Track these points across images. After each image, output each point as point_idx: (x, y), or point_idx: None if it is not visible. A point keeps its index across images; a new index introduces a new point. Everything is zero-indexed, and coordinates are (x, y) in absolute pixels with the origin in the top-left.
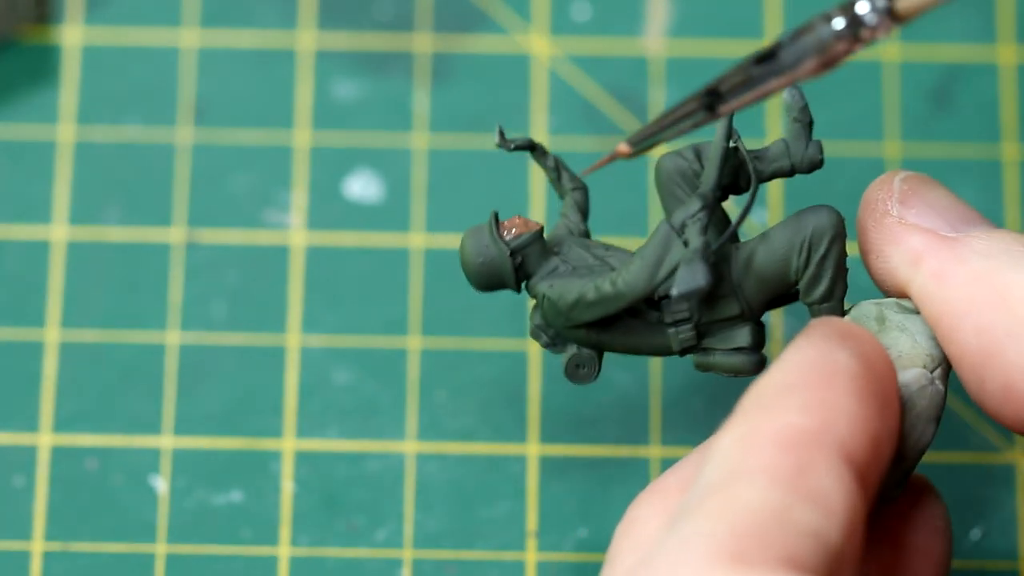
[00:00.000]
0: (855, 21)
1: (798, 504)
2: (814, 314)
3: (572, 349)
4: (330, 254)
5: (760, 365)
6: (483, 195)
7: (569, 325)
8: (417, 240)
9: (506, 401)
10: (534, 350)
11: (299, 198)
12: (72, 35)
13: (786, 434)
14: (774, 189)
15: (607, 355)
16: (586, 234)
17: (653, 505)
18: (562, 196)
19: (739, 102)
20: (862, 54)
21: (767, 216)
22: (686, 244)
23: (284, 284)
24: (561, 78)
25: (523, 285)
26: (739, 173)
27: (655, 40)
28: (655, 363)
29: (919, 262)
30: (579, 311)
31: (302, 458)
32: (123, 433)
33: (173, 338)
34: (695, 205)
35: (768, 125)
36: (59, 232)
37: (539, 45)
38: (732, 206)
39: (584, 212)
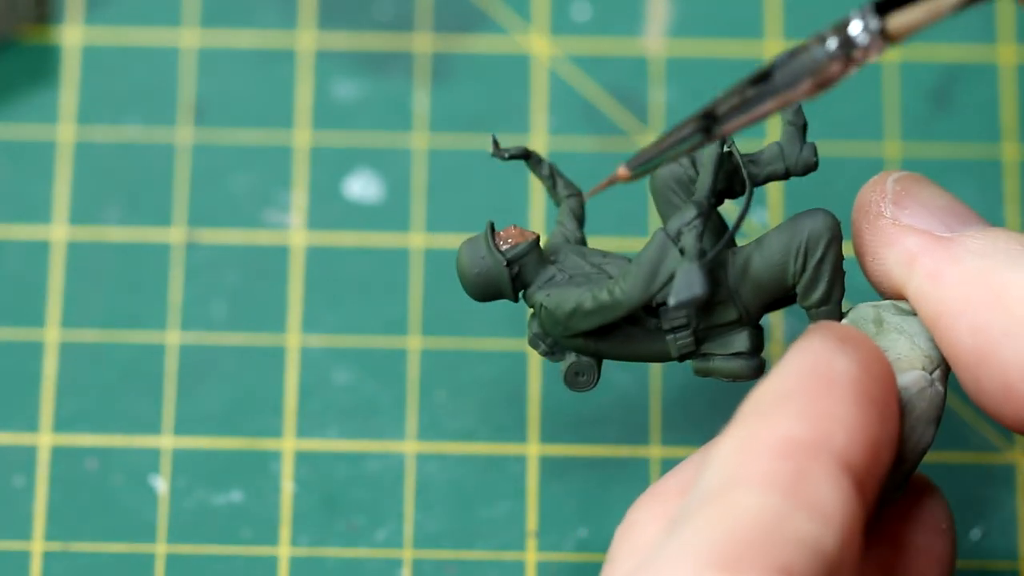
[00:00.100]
0: (848, 42)
1: (795, 513)
2: (812, 317)
3: (571, 357)
4: (330, 254)
5: (759, 369)
6: (483, 195)
7: (567, 334)
8: (417, 240)
9: (506, 401)
10: (534, 350)
11: (299, 198)
12: (72, 35)
13: (783, 443)
14: (774, 190)
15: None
16: (582, 241)
17: (652, 509)
18: (558, 203)
19: (735, 124)
20: None
21: (767, 216)
22: (682, 252)
23: (284, 284)
24: (561, 78)
25: (520, 294)
26: (734, 177)
27: (655, 40)
28: (655, 364)
29: (914, 263)
30: (577, 320)
31: (302, 458)
32: (123, 433)
33: (173, 338)
34: (690, 212)
35: (765, 126)
36: (59, 232)
37: (539, 45)
38: (731, 206)
39: (580, 219)
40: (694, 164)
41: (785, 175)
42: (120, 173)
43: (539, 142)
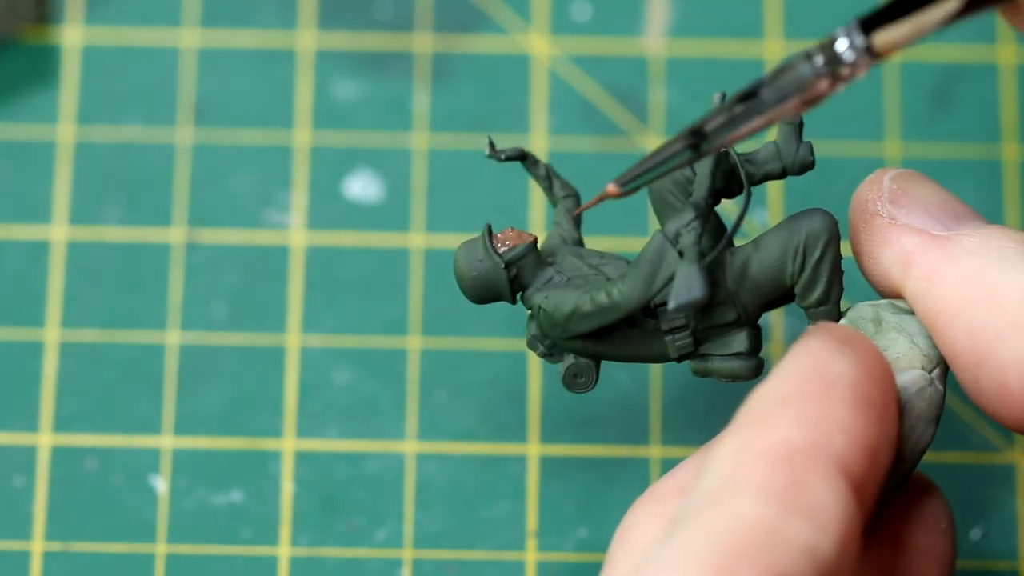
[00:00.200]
0: (834, 59)
1: (791, 520)
2: (811, 317)
3: (569, 359)
4: (330, 254)
5: (757, 369)
6: (483, 195)
7: (565, 336)
8: (417, 240)
9: (506, 401)
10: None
11: (299, 198)
12: (72, 35)
13: (781, 448)
14: (774, 190)
15: None
16: (579, 242)
17: (650, 511)
18: (555, 204)
19: (723, 141)
20: None
21: (767, 216)
22: (681, 254)
23: (284, 284)
24: (561, 78)
25: (518, 296)
26: (731, 177)
27: (655, 40)
28: (655, 364)
29: (910, 263)
30: (575, 322)
31: (302, 458)
32: (123, 433)
33: (173, 338)
34: (688, 214)
35: None
36: (59, 232)
37: (539, 45)
38: (730, 206)
39: (577, 220)
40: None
41: (782, 174)
42: (120, 173)
43: (539, 142)
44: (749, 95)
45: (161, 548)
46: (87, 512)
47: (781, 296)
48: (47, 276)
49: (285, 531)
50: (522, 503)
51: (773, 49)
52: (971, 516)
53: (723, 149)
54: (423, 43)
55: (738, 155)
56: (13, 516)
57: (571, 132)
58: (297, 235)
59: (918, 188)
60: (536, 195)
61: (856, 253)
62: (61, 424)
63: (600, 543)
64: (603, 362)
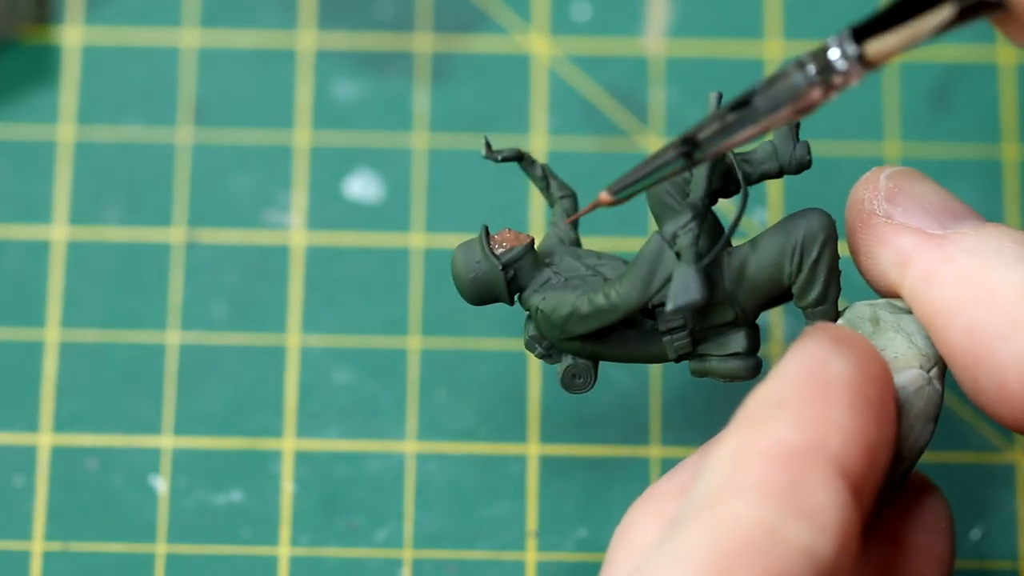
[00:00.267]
0: (827, 68)
1: (790, 520)
2: (808, 317)
3: (567, 360)
4: (330, 254)
5: (756, 369)
6: (483, 195)
7: (564, 337)
8: (417, 240)
9: (506, 401)
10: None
11: (299, 198)
12: (72, 35)
13: (778, 450)
14: (773, 190)
15: None
16: (577, 242)
17: (650, 510)
18: (552, 205)
19: (716, 149)
20: None
21: (766, 216)
22: (678, 255)
23: (284, 284)
24: (561, 78)
25: (516, 298)
26: (728, 177)
27: (655, 40)
28: (655, 365)
29: (907, 263)
30: (573, 324)
31: (302, 458)
32: (123, 433)
33: (173, 338)
34: (686, 215)
35: None
36: (59, 232)
37: (539, 45)
38: (729, 205)
39: (574, 220)
40: None
41: (779, 173)
42: (120, 173)
43: (539, 142)
44: (742, 103)
45: (161, 548)
46: (87, 512)
47: (779, 296)
48: (47, 276)
49: (285, 531)
50: (522, 503)
51: (773, 49)
52: (971, 516)
53: (715, 157)
54: (423, 43)
55: (735, 155)
56: (13, 516)
57: (571, 132)
58: (297, 235)
59: (915, 186)
60: (535, 196)
61: (853, 253)
62: (61, 424)
63: (600, 543)
64: (602, 362)
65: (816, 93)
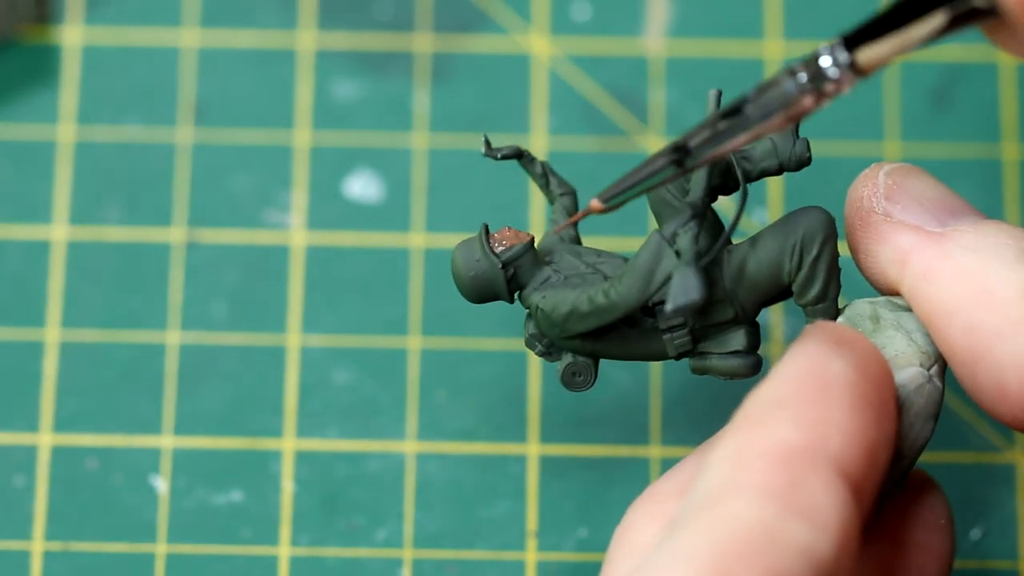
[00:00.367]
0: (818, 75)
1: (790, 520)
2: (809, 315)
3: (567, 358)
4: (330, 254)
5: (756, 367)
6: (483, 195)
7: (564, 335)
8: (417, 240)
9: (506, 401)
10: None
11: (299, 198)
12: (72, 35)
13: (779, 449)
14: (773, 189)
15: None
16: (577, 240)
17: (650, 510)
18: (551, 202)
19: (707, 157)
20: None
21: (766, 214)
22: (678, 254)
23: (284, 284)
24: (561, 78)
25: (516, 296)
26: (727, 174)
27: (655, 40)
28: (655, 363)
29: (907, 261)
30: (573, 322)
31: (302, 458)
32: (123, 433)
33: (173, 338)
34: (686, 214)
35: None
36: (59, 232)
37: (539, 45)
38: (728, 204)
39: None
40: None
41: (779, 171)
42: (120, 173)
43: (539, 142)
44: (733, 111)
45: (161, 548)
46: (87, 512)
47: (779, 293)
48: (47, 276)
49: (285, 531)
50: (522, 503)
51: (773, 49)
52: (971, 516)
53: (706, 164)
54: (423, 43)
55: (734, 153)
56: (13, 516)
57: (571, 132)
58: (297, 235)
59: (913, 183)
60: (535, 195)
61: (853, 250)
62: (61, 424)
63: (600, 543)
64: (602, 361)
65: (808, 101)
